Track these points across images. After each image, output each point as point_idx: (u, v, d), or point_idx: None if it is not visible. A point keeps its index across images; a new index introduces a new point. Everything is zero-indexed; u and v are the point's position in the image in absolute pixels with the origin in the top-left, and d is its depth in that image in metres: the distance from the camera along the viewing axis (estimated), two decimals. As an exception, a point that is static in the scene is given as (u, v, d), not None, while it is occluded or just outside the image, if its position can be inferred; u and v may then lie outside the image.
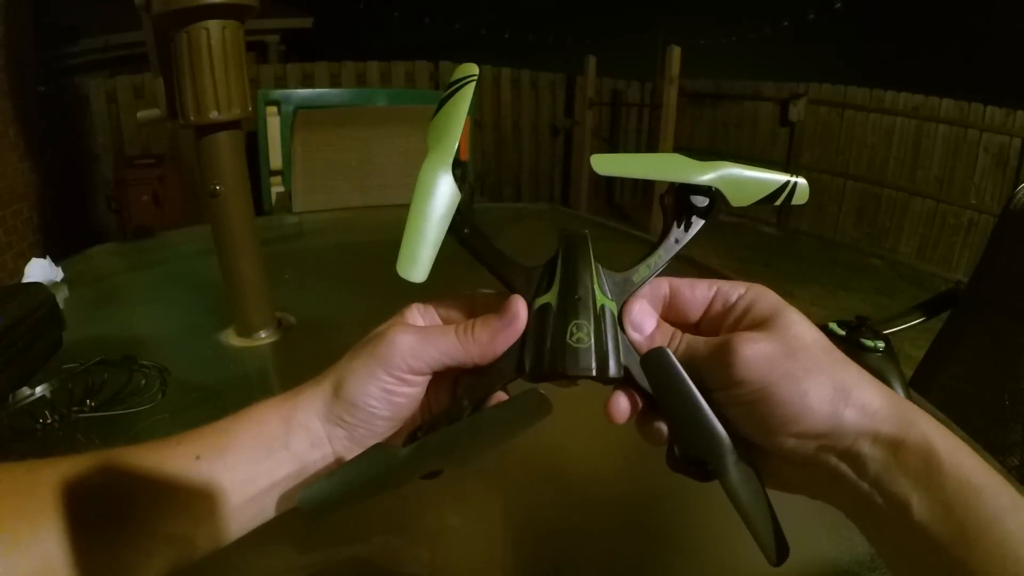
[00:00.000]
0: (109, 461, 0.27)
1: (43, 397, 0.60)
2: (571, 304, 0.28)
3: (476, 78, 0.30)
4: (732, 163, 0.30)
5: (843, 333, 0.66)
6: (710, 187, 0.30)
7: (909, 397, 0.63)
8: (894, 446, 0.23)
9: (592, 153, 0.29)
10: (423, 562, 0.45)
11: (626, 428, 0.36)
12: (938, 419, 0.24)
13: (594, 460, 0.56)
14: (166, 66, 0.64)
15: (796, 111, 4.44)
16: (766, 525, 0.26)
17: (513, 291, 0.29)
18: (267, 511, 0.29)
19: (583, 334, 0.28)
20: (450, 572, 0.44)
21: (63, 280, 0.92)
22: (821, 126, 4.47)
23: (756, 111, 4.79)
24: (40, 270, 0.90)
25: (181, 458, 0.27)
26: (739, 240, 4.39)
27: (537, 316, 0.28)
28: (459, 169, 0.29)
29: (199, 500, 0.27)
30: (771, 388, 0.25)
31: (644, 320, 0.29)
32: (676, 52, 3.96)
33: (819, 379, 0.25)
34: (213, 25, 0.61)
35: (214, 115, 0.64)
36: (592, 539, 0.47)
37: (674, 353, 0.27)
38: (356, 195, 1.89)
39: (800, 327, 0.26)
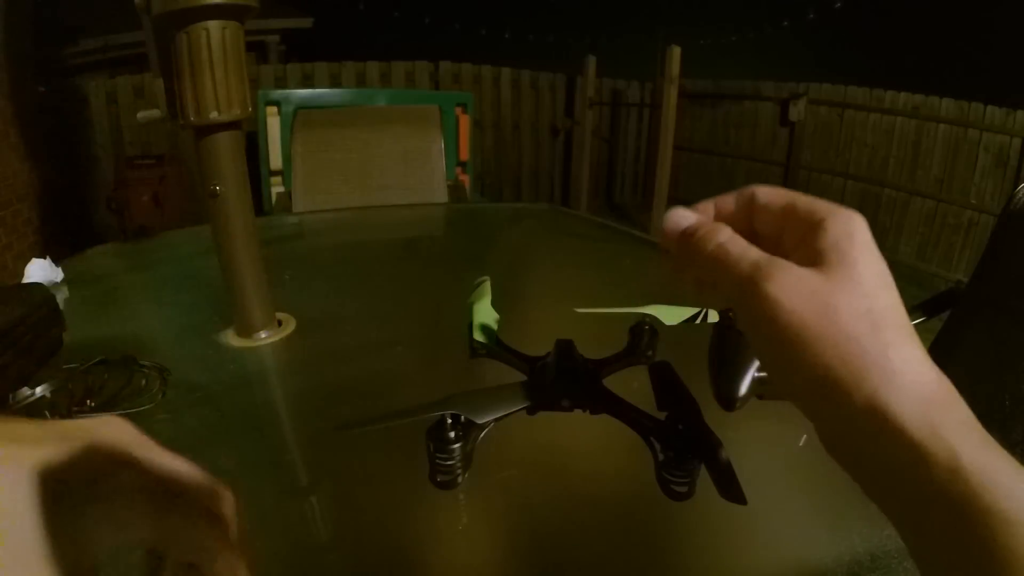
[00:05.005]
0: None
1: (43, 397, 0.60)
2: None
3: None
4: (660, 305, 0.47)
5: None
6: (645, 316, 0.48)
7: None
8: (916, 454, 0.20)
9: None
10: (423, 562, 0.45)
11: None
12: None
13: (594, 460, 0.56)
14: (166, 66, 0.64)
15: (796, 111, 4.44)
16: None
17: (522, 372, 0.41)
18: None
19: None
20: (450, 572, 0.44)
21: (63, 280, 0.92)
22: (821, 126, 4.46)
23: (756, 111, 4.78)
24: (40, 270, 0.90)
25: None
26: (739, 240, 4.38)
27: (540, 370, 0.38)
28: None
29: None
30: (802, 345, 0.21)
31: (678, 219, 0.26)
32: (676, 52, 3.96)
33: (853, 356, 0.21)
34: (213, 25, 0.61)
35: (214, 115, 0.64)
36: (592, 539, 0.47)
37: (702, 247, 0.25)
38: (356, 195, 1.89)
39: (868, 282, 0.22)
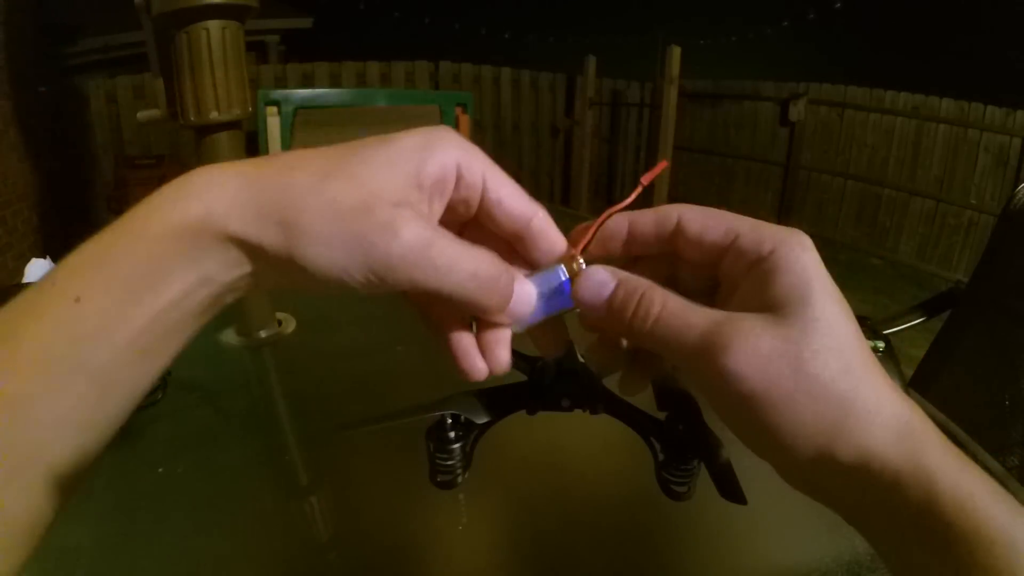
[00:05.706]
0: None
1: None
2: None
3: None
4: None
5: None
6: None
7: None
8: (895, 485, 0.20)
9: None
10: (423, 562, 0.45)
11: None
12: (938, 419, 0.24)
13: (594, 460, 0.56)
14: (166, 66, 0.64)
15: (796, 111, 4.44)
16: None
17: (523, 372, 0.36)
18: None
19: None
20: (450, 572, 0.44)
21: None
22: (821, 126, 4.47)
23: (756, 111, 4.78)
24: (40, 270, 0.90)
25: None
26: (739, 240, 4.38)
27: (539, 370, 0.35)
28: None
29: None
30: (763, 409, 0.20)
31: (597, 289, 0.23)
32: (676, 52, 3.96)
33: (816, 413, 0.20)
34: (213, 25, 0.61)
35: (214, 115, 0.64)
36: (592, 539, 0.47)
37: (641, 326, 0.22)
38: (356, 195, 1.89)
39: (829, 320, 0.21)
